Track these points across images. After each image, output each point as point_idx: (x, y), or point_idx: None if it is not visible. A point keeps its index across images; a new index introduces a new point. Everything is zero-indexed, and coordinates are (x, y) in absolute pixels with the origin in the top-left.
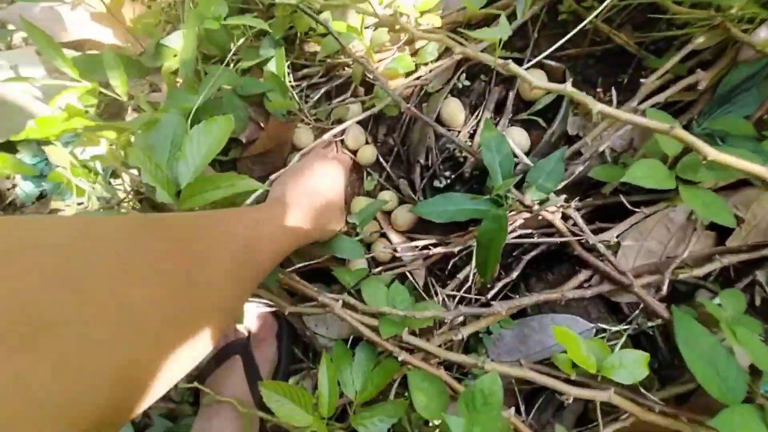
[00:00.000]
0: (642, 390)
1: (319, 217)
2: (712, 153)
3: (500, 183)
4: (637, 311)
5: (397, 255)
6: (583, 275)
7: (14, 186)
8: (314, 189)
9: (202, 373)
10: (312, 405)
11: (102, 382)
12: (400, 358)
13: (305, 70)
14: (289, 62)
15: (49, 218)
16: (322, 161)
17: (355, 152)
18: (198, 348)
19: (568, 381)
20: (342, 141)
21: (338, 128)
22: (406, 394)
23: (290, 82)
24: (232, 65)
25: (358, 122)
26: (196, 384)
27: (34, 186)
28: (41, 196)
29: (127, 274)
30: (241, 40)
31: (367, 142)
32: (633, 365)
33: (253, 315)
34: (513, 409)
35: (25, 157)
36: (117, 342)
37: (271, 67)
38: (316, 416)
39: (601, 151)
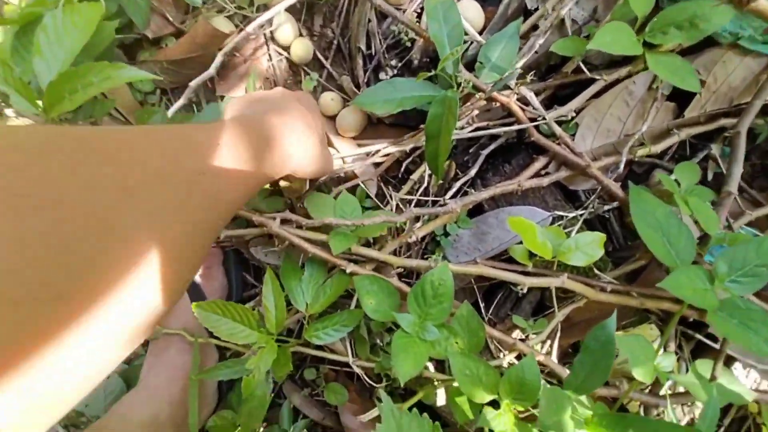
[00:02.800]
0: (596, 271)
1: (296, 143)
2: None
3: (449, 53)
4: (593, 196)
5: (347, 165)
6: (540, 163)
7: None
8: (286, 109)
9: None
10: (257, 322)
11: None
12: (348, 271)
13: None
14: None
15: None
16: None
17: (287, 49)
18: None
19: (524, 273)
20: (271, 35)
21: (264, 16)
22: None
23: None
24: None
25: (289, 10)
26: None
27: None
28: None
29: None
30: None
31: (300, 35)
32: (588, 247)
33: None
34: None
35: None
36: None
37: None
38: (262, 332)
39: (560, 22)
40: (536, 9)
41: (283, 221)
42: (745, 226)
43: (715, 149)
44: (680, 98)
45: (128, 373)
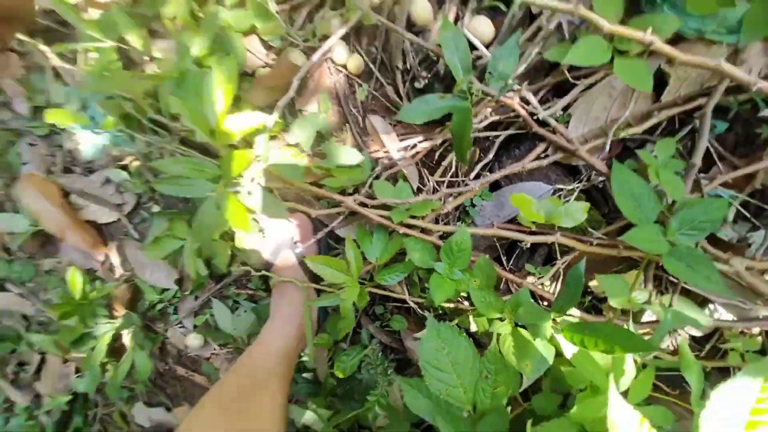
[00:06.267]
0: (590, 229)
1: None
2: (606, 26)
3: (460, 78)
4: (590, 171)
5: (390, 156)
6: (540, 148)
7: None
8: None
9: (266, 266)
10: (345, 269)
11: None
12: (401, 232)
13: None
14: None
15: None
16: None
17: (344, 66)
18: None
19: (528, 232)
20: (330, 58)
21: (325, 46)
22: None
23: (275, 10)
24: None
25: (343, 39)
26: (265, 272)
27: (93, 135)
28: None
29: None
30: None
31: (351, 54)
32: (575, 213)
33: (294, 224)
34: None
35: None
36: None
37: None
38: (349, 275)
39: (557, 27)
40: (540, 13)
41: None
42: (720, 187)
43: (699, 123)
44: (659, 87)
45: (257, 310)
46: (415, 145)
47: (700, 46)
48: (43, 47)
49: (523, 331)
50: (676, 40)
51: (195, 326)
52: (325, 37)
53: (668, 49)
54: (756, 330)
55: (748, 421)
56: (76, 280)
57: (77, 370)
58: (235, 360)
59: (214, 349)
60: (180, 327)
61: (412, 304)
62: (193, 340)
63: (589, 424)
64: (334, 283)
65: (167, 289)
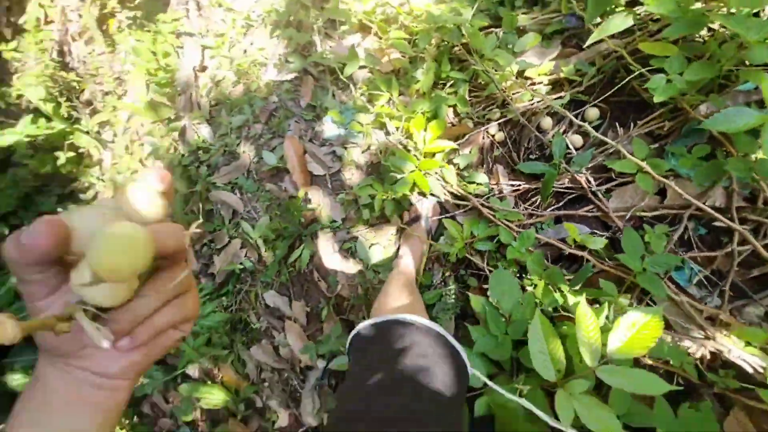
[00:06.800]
0: (606, 258)
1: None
2: (634, 161)
3: (556, 159)
4: (617, 228)
5: (501, 188)
6: (589, 206)
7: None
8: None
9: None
10: (461, 231)
11: None
12: (498, 224)
13: (475, 93)
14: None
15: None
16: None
17: (493, 136)
18: None
19: (569, 245)
20: (486, 130)
21: (489, 125)
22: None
23: (468, 98)
24: (442, 89)
25: (498, 123)
26: (402, 226)
27: (336, 128)
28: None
29: None
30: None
31: (499, 131)
32: (598, 242)
33: (429, 204)
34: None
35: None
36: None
37: (461, 92)
38: (461, 235)
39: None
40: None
41: (482, 204)
42: (691, 261)
43: (680, 222)
44: (663, 194)
45: (386, 257)
46: (519, 185)
47: (688, 181)
48: (329, 78)
49: (549, 286)
50: (676, 175)
51: (340, 248)
52: (489, 120)
53: (659, 178)
54: (699, 354)
55: (635, 332)
56: (300, 199)
57: (246, 254)
58: (354, 279)
59: (343, 270)
60: None
61: (486, 270)
62: (335, 256)
63: (570, 340)
64: (452, 237)
65: (335, 221)
